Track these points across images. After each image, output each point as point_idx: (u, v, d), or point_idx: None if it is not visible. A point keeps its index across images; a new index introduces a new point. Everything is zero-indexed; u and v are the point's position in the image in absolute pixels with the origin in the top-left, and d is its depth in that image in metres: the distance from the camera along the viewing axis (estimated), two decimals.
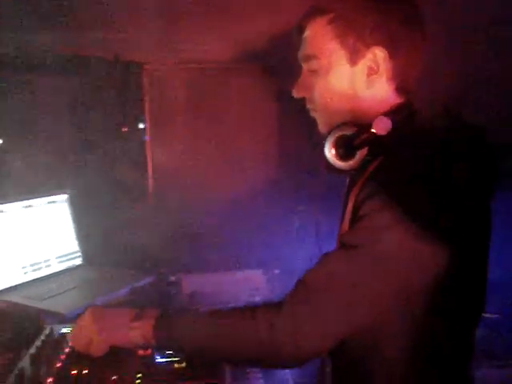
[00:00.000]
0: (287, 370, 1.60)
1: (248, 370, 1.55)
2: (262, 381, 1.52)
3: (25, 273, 2.20)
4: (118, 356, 1.46)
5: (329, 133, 1.33)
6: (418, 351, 1.25)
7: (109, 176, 2.87)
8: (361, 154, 1.29)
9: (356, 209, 1.23)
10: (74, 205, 2.50)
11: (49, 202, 2.40)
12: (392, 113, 1.29)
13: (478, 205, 1.24)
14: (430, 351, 1.25)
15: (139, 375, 1.42)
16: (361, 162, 1.30)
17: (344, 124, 1.32)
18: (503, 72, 2.36)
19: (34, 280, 2.22)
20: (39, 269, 2.27)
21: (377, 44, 1.28)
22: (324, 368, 1.47)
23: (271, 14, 2.33)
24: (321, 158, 1.34)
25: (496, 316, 2.25)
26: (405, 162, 1.19)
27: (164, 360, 1.49)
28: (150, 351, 1.51)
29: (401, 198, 1.16)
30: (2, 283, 2.10)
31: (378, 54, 1.29)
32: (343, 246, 1.21)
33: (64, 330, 1.69)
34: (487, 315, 2.16)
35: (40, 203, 2.36)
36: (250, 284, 2.33)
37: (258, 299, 2.21)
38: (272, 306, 1.23)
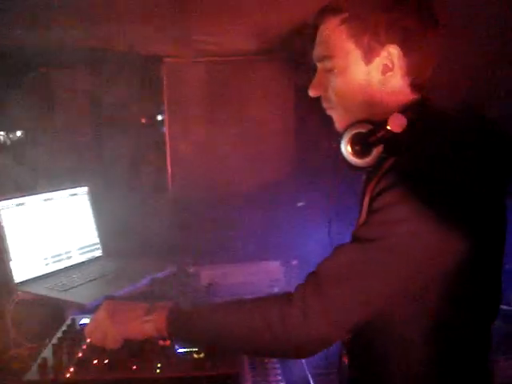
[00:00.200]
0: (303, 360, 1.62)
1: (266, 361, 1.57)
2: (279, 371, 1.53)
3: (46, 264, 2.23)
4: (138, 346, 1.48)
5: (345, 130, 1.34)
6: (435, 339, 1.26)
7: (128, 168, 2.90)
8: (377, 151, 1.30)
9: (371, 202, 1.24)
10: (94, 197, 2.53)
11: (70, 195, 2.43)
12: (407, 109, 1.29)
13: (492, 198, 1.24)
14: (446, 340, 1.26)
15: (159, 365, 1.43)
16: (376, 159, 1.30)
17: (360, 122, 1.33)
18: None
19: (55, 271, 2.25)
20: (60, 260, 2.30)
21: (391, 42, 1.29)
22: (341, 356, 1.48)
23: (290, 6, 2.32)
24: (338, 154, 1.35)
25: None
26: (420, 158, 1.20)
27: (184, 350, 1.50)
28: (169, 342, 1.53)
29: (415, 192, 1.17)
30: (25, 274, 2.13)
31: (392, 52, 1.29)
32: (357, 239, 1.23)
33: (85, 321, 1.71)
34: (504, 307, 2.15)
35: (61, 196, 2.39)
36: (269, 275, 2.34)
37: (276, 290, 2.23)
38: (284, 297, 1.25)
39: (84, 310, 1.89)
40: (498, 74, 2.33)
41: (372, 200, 1.24)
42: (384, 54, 1.30)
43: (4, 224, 2.11)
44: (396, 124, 1.25)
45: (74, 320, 1.71)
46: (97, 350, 1.49)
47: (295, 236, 2.47)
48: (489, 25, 2.23)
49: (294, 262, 2.41)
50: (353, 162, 1.33)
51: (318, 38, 1.39)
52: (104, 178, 2.73)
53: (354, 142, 1.32)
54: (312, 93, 1.42)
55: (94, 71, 3.00)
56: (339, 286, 1.20)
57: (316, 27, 1.39)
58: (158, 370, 1.42)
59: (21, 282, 2.10)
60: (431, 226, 1.15)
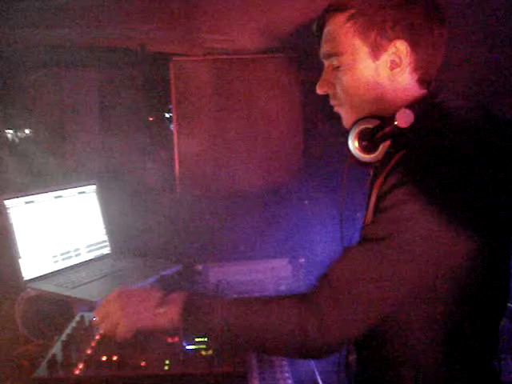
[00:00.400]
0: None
1: (274, 358, 1.57)
2: (287, 368, 1.54)
3: (55, 261, 2.24)
4: (146, 342, 1.49)
5: (352, 126, 1.34)
6: (443, 338, 1.25)
7: (136, 167, 2.91)
8: (384, 146, 1.30)
9: (379, 200, 1.24)
10: (103, 195, 2.54)
11: (78, 193, 2.44)
12: (414, 105, 1.29)
13: (502, 195, 1.24)
14: (455, 338, 1.26)
15: (167, 362, 1.44)
16: (384, 155, 1.31)
17: (367, 117, 1.33)
18: None
19: (64, 269, 2.26)
20: (69, 258, 2.31)
21: (398, 38, 1.29)
22: (348, 356, 1.49)
23: (297, 5, 2.33)
24: (345, 150, 1.36)
25: None
26: (429, 154, 1.19)
27: (192, 347, 1.50)
28: (177, 338, 1.53)
29: (425, 189, 1.17)
30: (34, 272, 2.15)
31: (399, 48, 1.29)
32: (367, 239, 1.22)
33: None
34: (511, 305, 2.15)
35: (70, 194, 2.40)
36: (276, 273, 2.35)
37: (283, 288, 2.23)
38: (300, 301, 1.24)
39: (92, 307, 1.90)
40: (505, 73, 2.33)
41: (380, 197, 1.23)
42: (391, 49, 1.30)
43: (13, 222, 2.12)
44: (403, 119, 1.24)
45: (82, 317, 1.72)
46: (106, 347, 1.50)
47: (303, 234, 2.47)
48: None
49: (302, 260, 2.41)
50: (360, 158, 1.34)
51: (324, 36, 1.39)
52: (112, 175, 2.74)
53: (361, 138, 1.33)
54: (320, 90, 1.42)
55: (102, 70, 3.01)
56: (354, 290, 1.19)
57: (323, 25, 1.39)
58: (166, 367, 1.42)
59: (30, 280, 2.12)
60: (442, 223, 1.14)
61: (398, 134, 1.27)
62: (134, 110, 3.06)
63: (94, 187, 2.52)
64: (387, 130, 1.27)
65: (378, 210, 1.24)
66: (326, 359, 1.33)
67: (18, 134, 3.04)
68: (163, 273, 2.21)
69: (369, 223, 1.27)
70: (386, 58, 1.32)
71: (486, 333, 1.32)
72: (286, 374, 1.51)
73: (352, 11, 1.32)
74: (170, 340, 1.53)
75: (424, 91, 1.36)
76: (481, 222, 1.19)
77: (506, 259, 1.30)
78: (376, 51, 1.32)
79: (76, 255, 2.35)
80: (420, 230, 1.16)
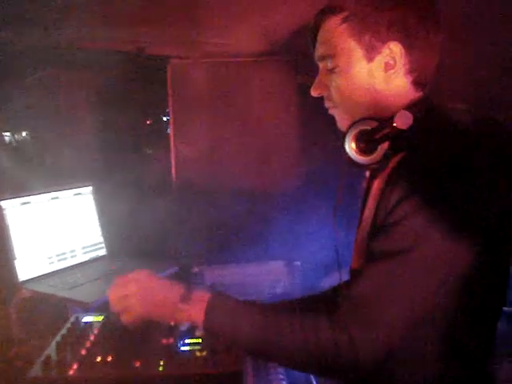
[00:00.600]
0: None
1: None
2: (281, 369, 1.54)
3: (51, 263, 2.25)
4: (141, 343, 1.49)
5: (349, 128, 1.34)
6: (446, 344, 1.26)
7: (132, 168, 2.91)
8: (382, 148, 1.29)
9: (387, 212, 1.23)
10: (99, 196, 2.54)
11: (74, 194, 2.45)
12: (412, 107, 1.29)
13: (504, 198, 1.24)
14: (456, 344, 1.27)
15: (162, 362, 1.44)
16: (382, 157, 1.30)
17: (364, 119, 1.33)
18: None
19: (59, 270, 2.27)
20: (65, 259, 2.31)
21: (393, 39, 1.29)
22: None
23: (295, 8, 2.33)
24: (342, 152, 1.35)
25: None
26: (431, 159, 1.20)
27: (187, 348, 1.51)
28: (172, 339, 1.53)
29: (434, 199, 1.17)
30: (29, 273, 2.15)
31: (394, 50, 1.30)
32: (384, 254, 1.21)
33: (89, 319, 1.72)
34: (506, 309, 2.15)
35: (66, 195, 2.40)
36: (272, 275, 2.35)
37: (278, 290, 2.24)
38: (328, 316, 1.22)
39: (88, 309, 1.90)
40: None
41: (389, 210, 1.22)
42: (386, 51, 1.30)
43: (9, 223, 2.12)
44: (403, 121, 1.24)
45: (77, 318, 1.72)
46: (100, 348, 1.51)
47: (298, 237, 2.47)
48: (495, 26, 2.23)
49: (297, 263, 2.41)
50: (357, 160, 1.32)
51: (319, 38, 1.39)
52: (108, 177, 2.74)
53: (358, 139, 1.32)
54: (314, 92, 1.43)
55: (100, 72, 3.01)
56: (380, 309, 1.19)
57: (317, 27, 1.39)
58: (160, 368, 1.42)
59: (25, 281, 2.12)
60: (453, 231, 1.15)
61: (396, 136, 1.27)
62: (132, 113, 3.06)
63: (90, 189, 2.52)
64: (386, 131, 1.27)
65: (386, 221, 1.23)
66: None
67: (16, 136, 3.04)
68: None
69: (381, 237, 1.24)
70: (380, 59, 1.32)
71: (485, 339, 1.33)
72: (281, 376, 1.52)
73: (346, 13, 1.32)
74: (164, 341, 1.54)
75: (420, 94, 1.36)
76: (489, 226, 1.20)
77: (505, 263, 1.30)
78: (370, 53, 1.32)
79: (72, 256, 2.35)
80: (434, 242, 1.16)
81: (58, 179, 2.50)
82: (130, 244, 2.49)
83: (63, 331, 1.63)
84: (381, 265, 1.21)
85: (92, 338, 1.58)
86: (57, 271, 2.25)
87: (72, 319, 1.72)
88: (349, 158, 1.34)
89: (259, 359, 1.50)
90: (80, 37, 2.67)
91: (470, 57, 2.15)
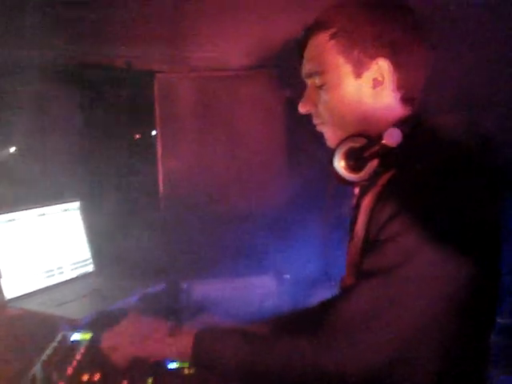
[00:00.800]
0: None
1: None
2: None
3: (38, 280, 2.22)
4: (129, 361, 1.47)
5: (338, 145, 1.33)
6: (439, 360, 1.25)
7: (120, 184, 2.89)
8: (371, 165, 1.29)
9: (377, 229, 1.23)
10: (86, 213, 2.52)
11: (61, 210, 2.43)
12: (401, 124, 1.29)
13: (494, 213, 1.24)
14: (449, 360, 1.25)
15: (150, 380, 1.43)
16: (371, 174, 1.30)
17: (353, 136, 1.32)
18: None
19: (47, 287, 2.24)
20: (52, 276, 2.29)
21: (380, 56, 1.29)
22: None
23: (281, 22, 2.34)
24: (330, 169, 1.35)
25: (509, 321, 2.24)
26: (421, 176, 1.20)
27: (175, 366, 1.49)
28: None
29: (425, 216, 1.16)
30: (16, 290, 2.12)
31: (382, 66, 1.30)
32: (373, 272, 1.20)
33: (76, 337, 1.70)
34: (500, 320, 2.15)
35: (53, 211, 2.38)
36: (261, 289, 2.34)
37: (268, 304, 2.22)
38: (312, 338, 1.22)
39: (75, 326, 1.88)
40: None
41: (380, 227, 1.22)
42: (374, 67, 1.30)
43: None
44: (392, 138, 1.24)
45: (64, 336, 1.70)
46: (87, 366, 1.49)
47: (287, 250, 2.46)
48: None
49: (287, 276, 2.40)
50: (347, 177, 1.32)
51: (306, 55, 1.39)
52: (96, 193, 2.73)
53: (348, 157, 1.32)
54: (302, 109, 1.42)
55: (86, 87, 3.00)
56: (367, 328, 1.18)
57: (305, 43, 1.39)
58: None
59: (12, 299, 2.09)
60: (444, 248, 1.14)
61: (386, 154, 1.26)
62: (119, 127, 3.05)
63: (77, 204, 2.50)
64: (375, 148, 1.27)
65: (377, 238, 1.22)
66: None
67: (4, 152, 3.02)
68: (147, 291, 2.20)
69: (372, 254, 1.24)
70: (368, 76, 1.32)
71: (479, 353, 1.32)
72: None
73: (334, 29, 1.32)
74: (152, 358, 1.52)
75: (408, 110, 1.36)
76: (481, 243, 1.19)
77: (496, 277, 1.29)
78: (359, 69, 1.32)
79: (59, 273, 2.32)
80: (425, 259, 1.15)
81: (45, 195, 2.48)
82: (117, 260, 2.48)
83: (49, 350, 1.61)
84: (370, 282, 1.20)
85: (79, 356, 1.56)
86: (44, 288, 2.23)
87: (59, 337, 1.70)
88: (338, 174, 1.33)
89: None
90: (67, 52, 2.67)
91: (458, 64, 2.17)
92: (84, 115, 2.97)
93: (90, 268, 2.48)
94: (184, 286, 2.29)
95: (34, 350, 1.70)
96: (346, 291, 1.28)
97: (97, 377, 1.44)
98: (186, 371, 1.45)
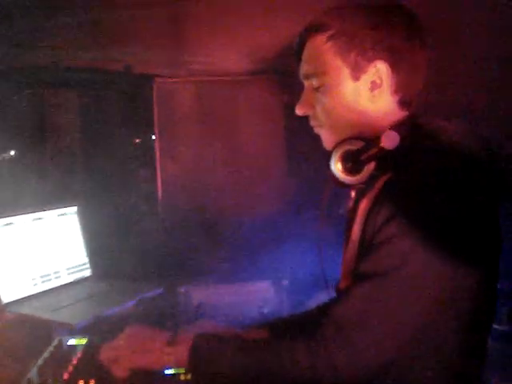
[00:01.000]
0: None
1: None
2: None
3: (34, 284, 2.21)
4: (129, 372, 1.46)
5: (335, 147, 1.33)
6: (435, 363, 1.24)
7: (118, 188, 2.89)
8: (368, 168, 1.28)
9: (373, 232, 1.22)
10: (84, 217, 2.51)
11: (59, 215, 2.42)
12: (398, 127, 1.28)
13: (491, 216, 1.24)
14: (445, 363, 1.25)
15: None
16: (368, 177, 1.29)
17: (350, 138, 1.32)
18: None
19: (43, 291, 2.23)
20: (49, 280, 2.28)
21: (379, 58, 1.28)
22: None
23: (281, 27, 2.34)
24: (328, 172, 1.34)
25: (507, 327, 2.24)
26: (417, 179, 1.19)
27: (171, 372, 1.48)
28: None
29: (421, 218, 1.16)
30: (12, 295, 2.11)
31: (380, 69, 1.29)
32: (368, 274, 1.20)
33: (72, 342, 1.70)
34: (496, 326, 2.15)
35: (50, 215, 2.38)
36: (259, 295, 2.33)
37: (266, 311, 2.21)
38: (308, 342, 1.22)
39: (72, 331, 1.87)
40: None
41: (374, 227, 1.22)
42: (372, 70, 1.30)
43: None
44: (389, 141, 1.23)
45: (60, 341, 1.69)
46: (83, 372, 1.48)
47: (286, 256, 2.45)
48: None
49: (285, 282, 2.40)
50: (344, 180, 1.31)
51: (304, 56, 1.38)
52: (93, 197, 2.72)
53: (344, 160, 1.30)
54: (299, 111, 1.41)
55: (85, 91, 3.00)
56: (363, 331, 1.18)
57: (302, 45, 1.39)
58: None
59: (8, 303, 2.08)
60: (440, 251, 1.14)
61: (383, 156, 1.26)
62: (118, 132, 3.05)
63: (74, 209, 2.49)
64: (373, 151, 1.26)
65: (373, 241, 1.22)
66: None
67: (4, 155, 3.02)
68: (144, 295, 2.19)
69: (367, 257, 1.23)
70: (366, 78, 1.31)
71: (475, 356, 1.31)
72: None
73: (332, 31, 1.31)
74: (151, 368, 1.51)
75: (405, 113, 1.35)
76: (478, 245, 1.19)
77: (493, 279, 1.29)
78: (356, 72, 1.31)
79: (56, 278, 2.31)
80: (422, 262, 1.15)
81: (42, 200, 2.47)
82: (115, 265, 2.47)
83: (45, 354, 1.60)
84: (365, 285, 1.20)
85: (75, 361, 1.55)
86: (41, 293, 2.21)
87: (55, 342, 1.69)
88: (335, 177, 1.33)
89: None
90: (66, 56, 2.67)
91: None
92: (83, 119, 2.97)
93: (87, 273, 2.47)
94: (181, 290, 2.28)
95: (30, 355, 1.70)
96: (341, 295, 1.28)
97: (92, 382, 1.43)
98: (183, 377, 1.44)
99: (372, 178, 1.29)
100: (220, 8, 2.44)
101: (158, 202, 2.86)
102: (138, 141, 3.19)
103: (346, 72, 1.32)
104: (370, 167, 1.28)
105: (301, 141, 2.64)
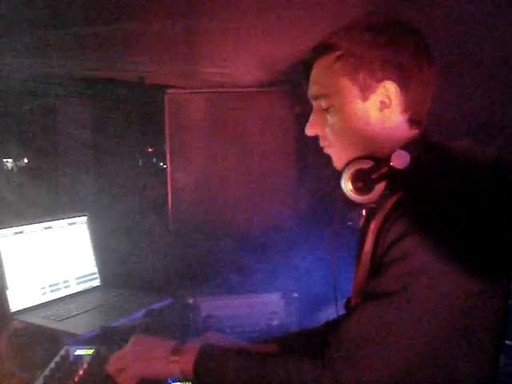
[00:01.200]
0: None
1: None
2: None
3: (43, 293, 2.21)
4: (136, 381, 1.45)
5: (345, 167, 1.32)
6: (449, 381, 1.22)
7: (128, 199, 2.89)
8: (379, 187, 1.28)
9: (383, 251, 1.22)
10: (93, 227, 2.52)
11: (68, 224, 2.42)
12: (408, 146, 1.27)
13: (503, 233, 1.22)
14: (460, 379, 1.23)
15: None
16: (379, 196, 1.28)
17: (360, 158, 1.31)
18: None
19: (52, 301, 2.23)
20: (58, 290, 2.28)
21: (387, 78, 1.28)
22: None
23: (292, 40, 2.35)
24: (338, 190, 1.33)
25: None
26: (427, 200, 1.18)
27: None
28: None
29: (431, 237, 1.15)
30: (21, 303, 2.11)
31: (389, 88, 1.28)
32: (378, 294, 1.19)
33: (80, 352, 1.69)
34: (509, 342, 2.11)
35: (60, 225, 2.38)
36: (269, 307, 2.32)
37: (275, 323, 2.20)
38: (314, 359, 1.22)
39: (79, 340, 1.86)
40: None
41: (385, 249, 1.21)
42: (380, 90, 1.29)
43: (1, 252, 2.10)
44: (400, 160, 1.22)
45: (67, 351, 1.68)
46: (89, 382, 1.47)
47: (296, 268, 2.44)
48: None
49: (295, 295, 2.38)
50: (354, 199, 1.30)
51: (312, 77, 1.38)
52: (104, 207, 2.72)
53: (355, 179, 1.30)
54: (309, 132, 1.41)
55: (98, 101, 3.02)
56: (369, 351, 1.17)
57: (310, 65, 1.38)
58: None
59: (17, 311, 2.09)
60: (453, 270, 1.13)
61: (394, 175, 1.25)
62: (129, 142, 3.06)
63: (84, 218, 2.50)
64: (383, 171, 1.25)
65: (382, 260, 1.21)
66: None
67: (18, 163, 3.04)
68: (153, 306, 2.18)
69: (376, 276, 1.23)
70: (375, 98, 1.30)
71: (487, 373, 1.28)
72: None
73: (340, 52, 1.31)
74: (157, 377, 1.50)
75: (415, 131, 1.34)
76: (489, 262, 1.17)
77: (506, 296, 1.27)
78: (365, 92, 1.30)
79: (65, 287, 2.31)
80: (432, 281, 1.14)
81: (53, 208, 2.48)
82: (124, 275, 2.47)
83: (52, 365, 1.59)
84: (373, 305, 1.19)
85: (81, 372, 1.54)
86: (49, 302, 2.22)
87: (62, 352, 1.68)
88: (345, 196, 1.32)
89: None
90: (79, 67, 2.68)
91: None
92: (95, 129, 2.98)
93: (96, 282, 2.47)
94: (190, 302, 2.27)
95: (36, 364, 1.69)
96: (349, 313, 1.27)
97: None
98: None
99: (383, 198, 1.29)
100: (232, 20, 2.45)
101: (169, 213, 2.86)
102: (150, 150, 3.20)
103: (354, 92, 1.31)
104: (381, 187, 1.28)
105: (313, 153, 2.64)
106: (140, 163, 3.08)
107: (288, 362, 1.25)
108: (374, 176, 1.27)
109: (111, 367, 1.45)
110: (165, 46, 2.59)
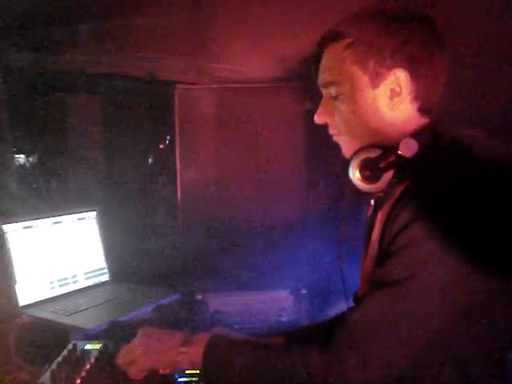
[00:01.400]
0: None
1: None
2: None
3: (52, 288, 2.22)
4: (146, 373, 1.45)
5: (353, 155, 1.31)
6: (454, 374, 1.21)
7: (137, 194, 2.89)
8: (386, 176, 1.26)
9: (390, 239, 1.21)
10: (103, 222, 2.52)
11: (78, 219, 2.42)
12: (417, 134, 1.26)
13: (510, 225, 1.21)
14: (465, 374, 1.22)
15: None
16: (387, 185, 1.27)
17: (368, 146, 1.30)
18: None
19: (61, 295, 2.24)
20: (66, 284, 2.28)
21: (398, 66, 1.26)
22: None
23: (303, 36, 2.33)
24: (346, 180, 1.32)
25: None
26: (435, 188, 1.17)
27: (184, 379, 1.47)
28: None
29: (437, 226, 1.14)
30: (30, 298, 2.12)
31: (399, 76, 1.27)
32: (384, 282, 1.19)
33: (87, 346, 1.69)
34: None
35: (69, 220, 2.38)
36: (277, 304, 2.31)
37: (284, 319, 2.19)
38: (321, 349, 1.22)
39: (88, 335, 1.86)
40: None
41: (390, 234, 1.21)
42: (391, 78, 1.28)
43: (11, 247, 2.10)
44: (408, 149, 1.21)
45: (75, 345, 1.68)
46: (95, 377, 1.47)
47: (305, 265, 2.43)
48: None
49: (303, 291, 2.37)
50: (362, 188, 1.29)
51: (322, 65, 1.37)
52: (113, 202, 2.72)
53: (363, 167, 1.29)
54: (318, 120, 1.40)
55: (108, 97, 3.02)
56: (377, 340, 1.17)
57: (320, 53, 1.37)
58: None
59: (25, 306, 2.09)
60: (459, 260, 1.12)
61: (402, 164, 1.23)
62: (140, 137, 3.06)
63: (94, 213, 2.50)
64: (391, 159, 1.24)
65: (389, 248, 1.21)
66: None
67: (30, 159, 3.05)
68: (161, 301, 2.18)
69: (383, 265, 1.22)
70: (385, 86, 1.29)
71: (496, 367, 1.27)
72: None
73: (350, 40, 1.30)
74: (161, 371, 1.49)
75: (426, 120, 1.33)
76: (495, 252, 1.16)
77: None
78: (375, 80, 1.29)
79: (74, 282, 2.32)
80: (437, 270, 1.13)
81: (62, 203, 2.48)
82: (133, 270, 2.47)
83: (59, 359, 1.59)
84: (380, 292, 1.19)
85: (88, 366, 1.54)
86: (58, 296, 2.22)
87: (69, 346, 1.68)
88: (353, 185, 1.31)
89: None
90: (90, 62, 2.69)
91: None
92: (105, 124, 2.99)
93: (105, 277, 2.47)
94: (199, 297, 2.26)
95: (44, 358, 1.70)
96: (357, 305, 1.28)
97: None
98: None
99: (391, 186, 1.27)
100: (243, 15, 2.44)
101: (178, 208, 2.85)
102: (161, 146, 3.20)
103: (364, 80, 1.30)
104: (389, 175, 1.26)
105: (323, 149, 2.63)
106: (150, 159, 3.07)
107: (295, 352, 1.25)
108: (381, 165, 1.26)
109: (121, 360, 1.45)
110: (175, 42, 2.59)
